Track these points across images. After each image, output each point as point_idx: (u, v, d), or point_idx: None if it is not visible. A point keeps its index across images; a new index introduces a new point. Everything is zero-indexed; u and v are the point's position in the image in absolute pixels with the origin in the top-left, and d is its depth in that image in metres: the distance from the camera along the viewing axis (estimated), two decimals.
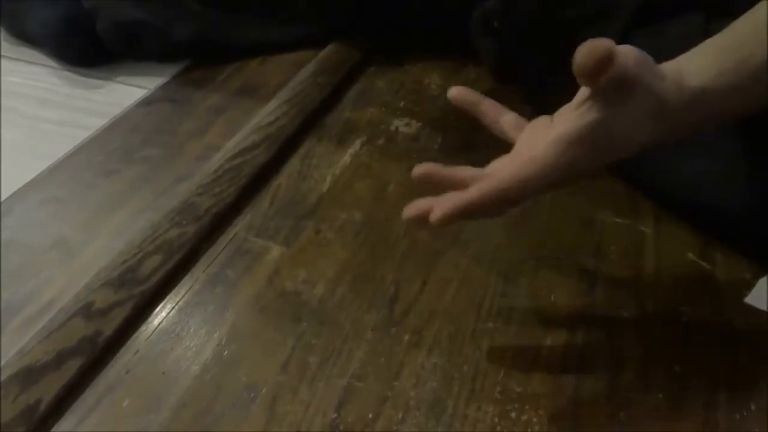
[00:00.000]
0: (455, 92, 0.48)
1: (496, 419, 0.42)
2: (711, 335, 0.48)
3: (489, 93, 0.75)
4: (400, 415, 0.43)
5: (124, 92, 0.78)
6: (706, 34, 0.43)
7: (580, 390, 0.44)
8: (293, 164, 0.65)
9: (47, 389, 0.43)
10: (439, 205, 0.38)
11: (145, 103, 0.76)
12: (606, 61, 0.36)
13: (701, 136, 0.53)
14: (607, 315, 0.49)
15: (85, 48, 0.81)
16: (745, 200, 0.51)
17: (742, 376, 0.45)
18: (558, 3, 0.62)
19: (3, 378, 0.44)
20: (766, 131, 0.49)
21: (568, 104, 0.41)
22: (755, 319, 0.49)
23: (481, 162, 0.64)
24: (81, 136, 0.70)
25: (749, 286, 0.51)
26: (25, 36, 0.87)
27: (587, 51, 0.35)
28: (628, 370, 0.45)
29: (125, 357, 0.47)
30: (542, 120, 0.44)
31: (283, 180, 0.63)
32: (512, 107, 0.76)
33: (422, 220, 0.40)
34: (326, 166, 0.65)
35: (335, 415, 0.43)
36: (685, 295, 0.51)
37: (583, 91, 0.40)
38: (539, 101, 0.70)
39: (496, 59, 0.74)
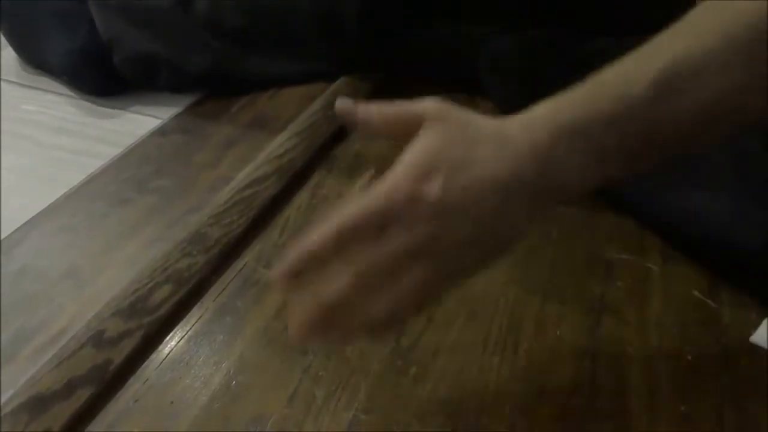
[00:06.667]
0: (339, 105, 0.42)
1: None
2: (716, 374, 0.48)
3: None
4: None
5: (138, 122, 0.79)
6: None
7: (586, 426, 0.44)
8: (303, 196, 0.66)
9: (57, 418, 0.44)
10: None
11: (159, 133, 0.77)
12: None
13: (707, 172, 0.53)
14: (612, 351, 0.50)
15: (101, 79, 0.82)
16: (752, 238, 0.51)
17: (748, 415, 0.45)
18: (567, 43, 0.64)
19: (13, 406, 0.44)
20: None
21: None
22: (761, 358, 0.49)
23: None
24: (95, 164, 0.71)
25: (755, 324, 0.51)
26: (43, 66, 0.89)
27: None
28: (633, 407, 0.45)
29: (135, 386, 0.47)
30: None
31: (292, 211, 0.64)
32: None
33: None
34: (335, 198, 0.66)
35: None
36: (690, 333, 0.51)
37: None
38: None
39: (503, 97, 0.76)
